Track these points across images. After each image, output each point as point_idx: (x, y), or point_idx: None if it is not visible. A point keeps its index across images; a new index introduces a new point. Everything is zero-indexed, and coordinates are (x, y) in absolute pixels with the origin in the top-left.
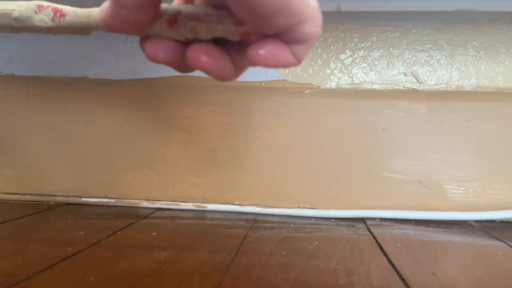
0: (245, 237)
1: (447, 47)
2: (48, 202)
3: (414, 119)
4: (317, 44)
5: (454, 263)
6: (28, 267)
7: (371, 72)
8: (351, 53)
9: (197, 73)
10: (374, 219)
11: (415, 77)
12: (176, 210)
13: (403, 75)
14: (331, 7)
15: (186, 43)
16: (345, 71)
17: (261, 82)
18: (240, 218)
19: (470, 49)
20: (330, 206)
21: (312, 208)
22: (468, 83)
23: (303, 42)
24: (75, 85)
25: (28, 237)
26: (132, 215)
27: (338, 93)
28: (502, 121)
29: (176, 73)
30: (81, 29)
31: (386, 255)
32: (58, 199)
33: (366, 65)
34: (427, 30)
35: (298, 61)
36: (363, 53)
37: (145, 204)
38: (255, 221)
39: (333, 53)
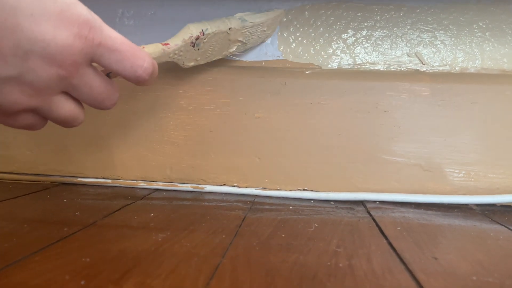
0: (243, 219)
1: (452, 28)
2: (43, 182)
3: (417, 101)
4: (319, 23)
5: (454, 246)
6: (24, 247)
7: (374, 53)
8: (354, 32)
9: None
10: (374, 202)
11: (418, 58)
12: (174, 191)
13: (406, 56)
14: None
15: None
16: (347, 51)
17: (261, 61)
18: (239, 200)
19: (475, 30)
20: (330, 188)
21: (311, 190)
22: (473, 65)
23: None
24: None
25: (24, 217)
26: (129, 195)
27: (340, 74)
28: (506, 104)
29: None
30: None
31: (386, 238)
32: (53, 179)
33: (369, 45)
34: (432, 10)
35: None
36: (366, 33)
37: (142, 184)
38: (253, 203)
39: (335, 32)
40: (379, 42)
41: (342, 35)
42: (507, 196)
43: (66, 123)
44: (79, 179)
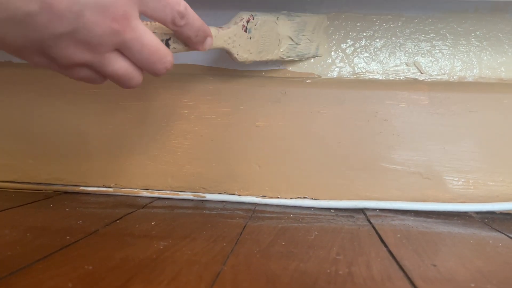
0: (244, 227)
1: (449, 37)
2: (46, 191)
3: (416, 109)
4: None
5: (454, 254)
6: (27, 255)
7: (372, 62)
8: (353, 42)
9: (198, 61)
10: (373, 210)
11: (417, 67)
12: (175, 200)
13: (405, 65)
14: None
15: None
16: (346, 61)
17: (262, 71)
18: (239, 208)
19: (473, 39)
20: (330, 196)
21: (312, 198)
22: (471, 74)
23: None
24: None
25: (27, 225)
26: (131, 204)
27: (339, 83)
28: (504, 113)
29: (177, 61)
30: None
31: (386, 246)
32: (56, 187)
33: (367, 54)
34: (430, 20)
35: None
36: (365, 43)
37: (144, 193)
38: (254, 211)
39: (334, 42)
40: (378, 52)
41: (341, 45)
42: (506, 204)
43: (121, 82)
44: (81, 188)
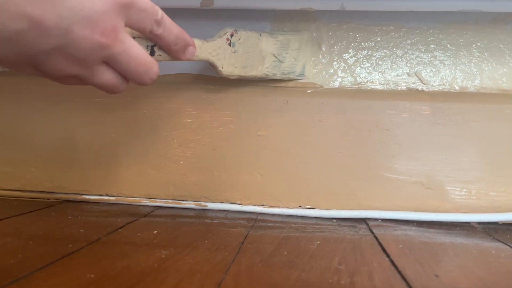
0: (246, 236)
1: (451, 48)
2: (48, 199)
3: (417, 119)
4: (322, 44)
5: (456, 264)
6: (29, 263)
7: (374, 72)
8: (355, 52)
9: (200, 71)
10: (376, 219)
11: (418, 77)
12: (177, 209)
13: (406, 76)
14: (335, 6)
15: None
16: (348, 71)
17: (264, 80)
18: (241, 217)
19: (474, 50)
20: (332, 206)
21: (314, 208)
22: (472, 85)
23: None
24: None
25: (29, 234)
26: (133, 213)
27: (341, 92)
28: (505, 123)
29: (178, 71)
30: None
31: (388, 256)
32: (58, 196)
33: (369, 65)
34: (431, 31)
35: None
36: (367, 53)
37: (146, 202)
38: (256, 221)
39: (336, 52)
40: (380, 62)
41: (343, 55)
42: (508, 214)
43: (106, 90)
44: (84, 196)
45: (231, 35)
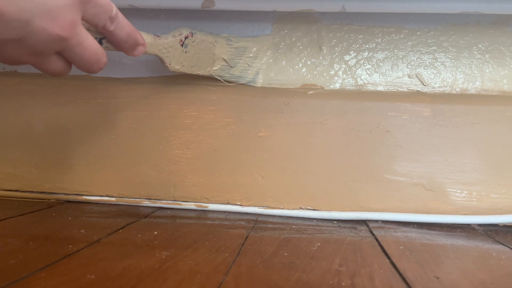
0: (246, 238)
1: (452, 50)
2: (49, 199)
3: (418, 121)
4: (323, 46)
5: (457, 266)
6: (29, 264)
7: (375, 74)
8: (356, 54)
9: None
10: (376, 221)
11: (419, 79)
12: (177, 210)
13: (407, 77)
14: (336, 8)
15: None
16: (349, 73)
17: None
18: (242, 219)
19: (475, 52)
20: (332, 207)
21: (314, 209)
22: (473, 86)
23: None
24: (78, 83)
25: (29, 234)
26: (133, 214)
27: (342, 94)
28: (506, 125)
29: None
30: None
31: (388, 257)
32: (58, 196)
33: (370, 66)
34: (432, 32)
35: None
36: (368, 55)
37: (146, 203)
38: (256, 222)
39: (337, 54)
40: (380, 64)
41: (344, 57)
42: (509, 216)
43: (52, 75)
44: (84, 197)
45: (186, 37)
